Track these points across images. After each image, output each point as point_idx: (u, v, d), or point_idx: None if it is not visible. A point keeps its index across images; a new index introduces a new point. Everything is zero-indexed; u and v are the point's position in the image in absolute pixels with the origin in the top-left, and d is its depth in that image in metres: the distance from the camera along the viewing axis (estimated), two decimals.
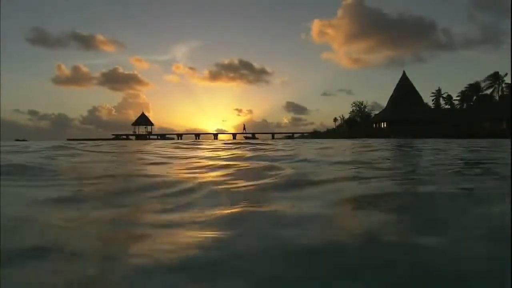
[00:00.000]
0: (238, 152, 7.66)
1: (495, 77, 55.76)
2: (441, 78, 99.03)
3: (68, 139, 51.86)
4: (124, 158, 6.69)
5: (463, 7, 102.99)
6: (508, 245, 1.18)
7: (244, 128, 61.71)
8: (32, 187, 2.68)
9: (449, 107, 59.83)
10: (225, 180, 2.86)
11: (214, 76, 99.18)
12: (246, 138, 55.42)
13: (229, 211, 1.73)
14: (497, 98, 54.20)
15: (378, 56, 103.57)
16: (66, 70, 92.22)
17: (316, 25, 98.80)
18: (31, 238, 1.34)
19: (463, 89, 59.56)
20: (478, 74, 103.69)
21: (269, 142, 17.36)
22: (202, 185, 2.60)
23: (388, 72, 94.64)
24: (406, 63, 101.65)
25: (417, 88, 53.47)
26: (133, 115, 70.68)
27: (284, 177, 2.93)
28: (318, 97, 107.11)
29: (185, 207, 1.87)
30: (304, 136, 57.38)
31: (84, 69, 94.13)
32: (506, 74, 53.62)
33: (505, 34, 70.42)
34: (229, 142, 21.63)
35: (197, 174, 3.33)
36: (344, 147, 9.60)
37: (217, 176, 3.19)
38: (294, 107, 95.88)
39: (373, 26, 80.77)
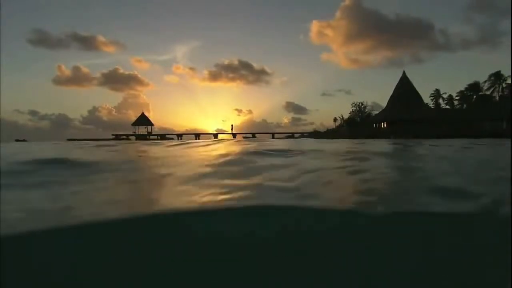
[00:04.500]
0: None
1: (497, 77, 55.74)
2: (440, 78, 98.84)
3: (68, 139, 51.96)
4: None
5: (461, 8, 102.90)
6: (508, 246, 1.15)
7: (232, 128, 62.72)
8: None
9: (449, 107, 59.85)
10: None
11: (214, 76, 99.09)
12: (246, 138, 55.57)
13: None
14: (497, 98, 54.20)
15: (377, 57, 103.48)
16: (66, 71, 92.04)
17: (315, 26, 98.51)
18: None
19: (463, 89, 59.69)
20: (477, 74, 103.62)
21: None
22: None
23: (387, 72, 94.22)
24: (405, 64, 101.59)
25: (417, 89, 53.54)
26: (133, 115, 70.68)
27: None
28: (317, 97, 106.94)
29: None
30: (304, 136, 57.40)
31: (85, 69, 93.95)
32: (509, 76, 53.60)
33: (503, 35, 70.70)
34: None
35: None
36: None
37: None
38: (294, 107, 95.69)
39: (371, 27, 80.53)
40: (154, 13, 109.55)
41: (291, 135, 59.57)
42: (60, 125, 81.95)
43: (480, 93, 57.38)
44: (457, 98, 61.04)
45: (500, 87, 55.74)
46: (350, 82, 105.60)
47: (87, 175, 3.01)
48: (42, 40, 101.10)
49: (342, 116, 65.68)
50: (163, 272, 1.21)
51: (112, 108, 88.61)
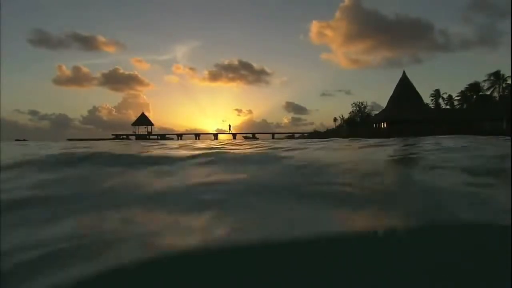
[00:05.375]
0: None
1: (497, 76, 55.65)
2: (440, 78, 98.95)
3: (68, 139, 51.91)
4: None
5: (461, 8, 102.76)
6: (508, 245, 1.16)
7: (230, 129, 62.91)
8: None
9: (449, 107, 59.79)
10: None
11: (214, 76, 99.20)
12: (246, 138, 55.51)
13: None
14: (497, 98, 54.12)
15: (377, 57, 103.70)
16: (66, 71, 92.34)
17: (314, 26, 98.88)
18: None
19: (463, 89, 59.64)
20: (477, 74, 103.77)
21: None
22: None
23: (387, 72, 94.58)
24: (405, 64, 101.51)
25: (417, 89, 53.45)
26: (133, 115, 70.83)
27: None
28: (317, 97, 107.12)
29: None
30: (304, 136, 57.32)
31: (85, 69, 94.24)
32: (509, 76, 53.50)
33: (502, 35, 70.83)
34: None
35: None
36: None
37: None
38: (294, 107, 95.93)
39: (371, 27, 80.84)
40: (154, 13, 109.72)
41: (291, 135, 59.55)
42: (60, 125, 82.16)
43: (480, 93, 57.32)
44: (457, 98, 61.02)
45: (500, 87, 55.68)
46: (350, 82, 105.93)
47: None
48: (42, 40, 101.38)
49: (342, 116, 65.74)
50: None
51: (112, 108, 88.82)
